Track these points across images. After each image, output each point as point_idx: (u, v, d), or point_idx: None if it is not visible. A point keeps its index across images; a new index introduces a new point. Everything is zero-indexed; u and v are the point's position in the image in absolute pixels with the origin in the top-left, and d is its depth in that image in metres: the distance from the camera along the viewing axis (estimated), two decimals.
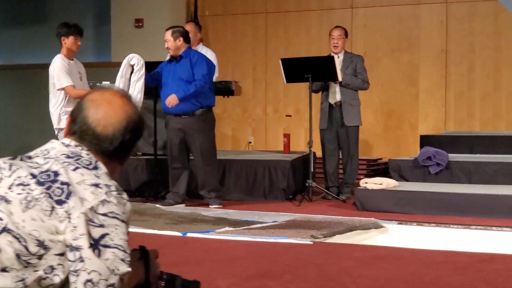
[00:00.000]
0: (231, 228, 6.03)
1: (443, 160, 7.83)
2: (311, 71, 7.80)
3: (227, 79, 9.47)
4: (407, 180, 8.00)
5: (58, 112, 7.03)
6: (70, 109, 6.96)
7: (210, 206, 7.44)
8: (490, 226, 6.33)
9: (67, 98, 7.00)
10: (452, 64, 10.58)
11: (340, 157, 8.27)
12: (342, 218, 6.57)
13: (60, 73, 6.93)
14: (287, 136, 9.16)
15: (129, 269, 1.96)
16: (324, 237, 5.62)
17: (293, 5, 11.42)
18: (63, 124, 6.83)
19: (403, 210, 7.01)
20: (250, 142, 11.63)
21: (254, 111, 11.71)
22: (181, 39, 7.37)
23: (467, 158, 8.16)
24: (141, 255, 2.11)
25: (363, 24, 11.01)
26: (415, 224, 6.45)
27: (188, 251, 5.14)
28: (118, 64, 8.32)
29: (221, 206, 7.45)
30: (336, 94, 8.10)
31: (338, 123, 8.09)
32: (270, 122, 11.62)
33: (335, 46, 8.15)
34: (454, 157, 8.13)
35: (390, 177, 7.97)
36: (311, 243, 5.37)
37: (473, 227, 6.33)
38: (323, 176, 8.40)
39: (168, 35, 7.38)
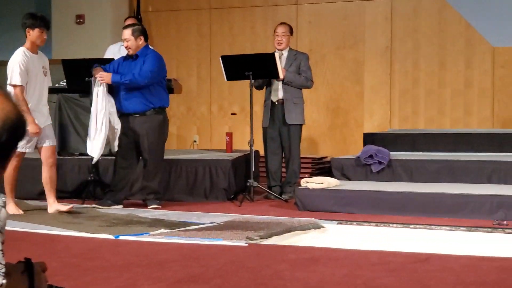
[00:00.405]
0: (166, 230, 5.87)
1: (385, 159, 7.76)
2: (251, 68, 7.67)
3: (170, 77, 9.27)
4: (350, 179, 7.92)
5: None
6: (31, 107, 6.60)
7: (148, 207, 7.27)
8: (429, 225, 6.28)
9: (28, 97, 6.59)
10: (397, 61, 10.54)
11: (283, 156, 8.16)
12: (281, 219, 6.46)
13: (16, 69, 6.51)
14: (229, 135, 9.02)
15: (4, 281, 1.79)
16: (261, 238, 5.49)
17: (237, 1, 11.28)
18: None
19: (344, 210, 6.93)
20: (195, 141, 11.47)
21: (199, 109, 11.54)
22: (142, 38, 7.20)
23: (409, 156, 8.12)
24: (25, 267, 1.93)
25: (308, 20, 10.92)
26: (355, 223, 6.37)
27: (117, 254, 4.97)
28: (59, 61, 8.12)
29: (159, 207, 7.28)
30: (278, 92, 7.98)
31: (280, 121, 7.98)
32: (215, 120, 11.47)
33: (279, 43, 8.03)
34: (396, 155, 8.08)
35: (333, 176, 7.89)
36: (246, 245, 5.23)
37: (413, 226, 6.27)
38: (266, 176, 8.28)
39: (128, 34, 7.14)
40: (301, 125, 8.06)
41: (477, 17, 10.11)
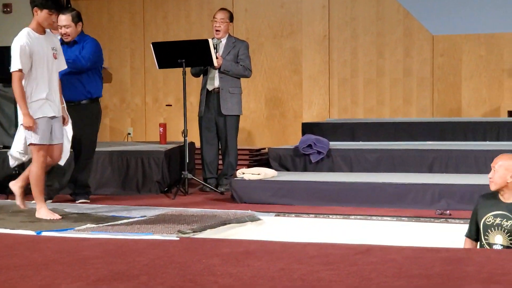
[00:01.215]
0: (92, 225, 5.52)
1: (324, 148, 7.53)
2: (185, 55, 7.34)
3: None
4: (288, 170, 7.67)
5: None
6: (41, 96, 5.79)
7: (76, 202, 6.89)
8: (370, 216, 6.08)
9: (35, 84, 5.77)
10: (335, 50, 10.34)
11: (220, 147, 7.86)
12: (216, 211, 6.16)
13: (17, 52, 5.70)
14: (163, 125, 8.68)
15: None
16: (194, 232, 5.19)
17: None
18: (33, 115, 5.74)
19: (282, 201, 6.67)
20: (129, 134, 11.08)
21: (133, 100, 11.17)
22: (81, 24, 6.82)
23: (349, 146, 7.91)
24: None
25: (245, 8, 10.63)
26: (293, 215, 6.13)
27: (38, 251, 4.60)
28: None
29: (88, 201, 6.91)
30: (214, 80, 7.67)
31: (216, 111, 7.67)
32: (150, 112, 11.10)
33: (217, 30, 7.72)
34: (335, 145, 7.86)
35: (270, 167, 7.62)
36: (178, 239, 4.92)
37: (353, 217, 6.06)
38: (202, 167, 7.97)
39: (68, 20, 6.70)
40: (237, 115, 7.76)
41: (416, 5, 9.96)
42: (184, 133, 7.43)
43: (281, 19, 10.53)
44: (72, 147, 6.81)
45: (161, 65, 7.54)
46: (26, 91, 5.74)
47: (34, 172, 5.81)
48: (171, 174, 7.74)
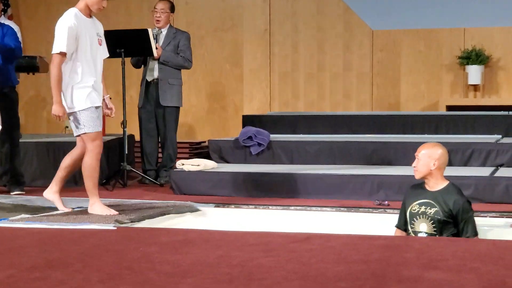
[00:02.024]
0: (27, 215, 5.38)
1: (265, 140, 7.50)
2: (124, 45, 7.23)
3: (35, 54, 8.66)
4: (228, 162, 7.62)
5: (70, 85, 5.37)
6: (88, 83, 5.45)
7: (11, 193, 6.72)
8: (310, 207, 6.07)
9: (80, 69, 5.39)
10: (276, 44, 10.32)
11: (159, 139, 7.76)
12: (155, 202, 6.09)
13: (62, 32, 5.30)
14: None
15: None
16: (132, 222, 5.11)
17: None
18: (79, 104, 5.38)
19: (222, 193, 6.63)
20: (67, 127, 10.85)
21: None
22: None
23: (289, 138, 7.90)
24: None
25: (185, 1, 10.54)
26: (233, 206, 6.09)
27: None
28: None
29: (23, 192, 6.75)
30: (154, 71, 7.57)
31: (155, 102, 7.57)
32: None
33: (157, 21, 7.62)
34: (276, 137, 7.84)
35: (211, 159, 7.55)
36: (115, 228, 4.82)
37: (293, 207, 6.05)
38: (141, 159, 7.86)
39: None
40: (177, 107, 7.68)
41: (356, 0, 10.01)
42: (124, 124, 7.32)
43: (222, 13, 10.47)
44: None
45: None
46: (69, 75, 5.39)
47: (88, 164, 5.43)
48: (109, 166, 7.62)
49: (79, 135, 5.51)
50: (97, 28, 5.61)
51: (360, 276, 3.41)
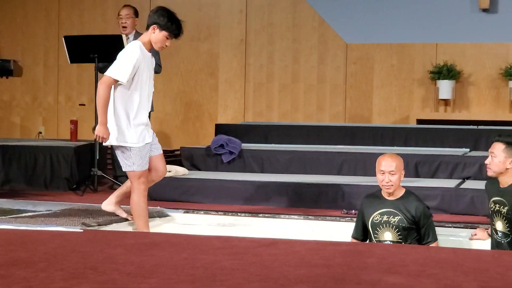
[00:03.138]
0: None
1: (236, 149, 7.56)
2: (97, 50, 7.26)
3: (9, 57, 8.67)
4: (199, 170, 7.66)
5: (124, 117, 5.30)
6: (143, 120, 5.37)
7: None
8: (278, 214, 6.12)
9: (136, 104, 5.33)
10: (252, 55, 10.40)
11: None
12: (124, 207, 6.09)
13: (125, 62, 5.24)
14: (74, 123, 8.56)
15: None
16: (99, 225, 5.14)
17: None
18: (132, 140, 5.29)
19: (192, 199, 6.68)
20: (40, 133, 10.86)
21: (46, 99, 10.95)
22: None
23: (261, 147, 7.96)
24: None
25: None
26: (202, 212, 6.12)
27: None
28: None
29: None
30: None
31: None
32: (63, 111, 10.90)
33: (124, 27, 7.66)
34: (247, 146, 7.90)
35: (183, 166, 7.59)
36: (81, 231, 4.84)
37: (261, 215, 6.09)
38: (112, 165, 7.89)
39: None
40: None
41: (331, 14, 10.12)
42: (94, 129, 7.33)
43: (198, 22, 10.53)
44: None
45: (73, 60, 7.44)
46: (125, 105, 5.31)
47: (136, 203, 5.36)
48: (80, 171, 7.63)
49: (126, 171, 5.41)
50: (153, 64, 5.58)
51: (320, 279, 3.46)
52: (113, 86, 5.27)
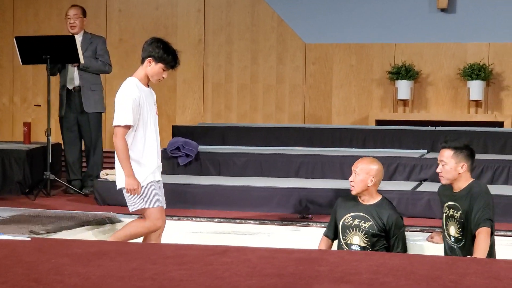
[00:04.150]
0: None
1: (193, 151, 7.46)
2: (50, 51, 7.10)
3: None
4: None
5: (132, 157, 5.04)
6: (154, 161, 5.16)
7: None
8: (234, 219, 6.04)
9: (143, 145, 5.10)
10: (210, 55, 10.29)
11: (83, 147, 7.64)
12: (75, 213, 5.97)
13: (125, 105, 5.00)
14: (27, 125, 8.38)
15: None
16: (48, 232, 5.00)
17: None
18: (139, 177, 5.03)
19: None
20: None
21: (0, 100, 10.73)
22: None
23: (218, 150, 7.87)
24: None
25: (119, 9, 10.43)
26: None
27: None
28: None
29: None
30: (74, 79, 7.46)
31: (78, 110, 7.45)
32: (18, 112, 10.69)
33: (72, 26, 7.53)
34: (204, 148, 7.80)
35: None
36: (29, 239, 4.71)
37: (217, 220, 6.00)
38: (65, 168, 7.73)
39: None
40: (100, 113, 7.58)
41: (290, 13, 10.06)
42: (48, 132, 7.19)
43: (156, 21, 10.39)
44: None
45: (25, 61, 7.28)
46: (131, 147, 5.08)
47: (135, 230, 5.09)
48: (33, 175, 7.48)
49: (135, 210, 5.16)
50: (153, 98, 5.36)
51: None
52: (116, 130, 5.03)
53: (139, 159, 5.08)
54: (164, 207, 5.20)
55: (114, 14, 10.39)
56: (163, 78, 5.27)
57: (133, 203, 5.07)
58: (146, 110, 5.12)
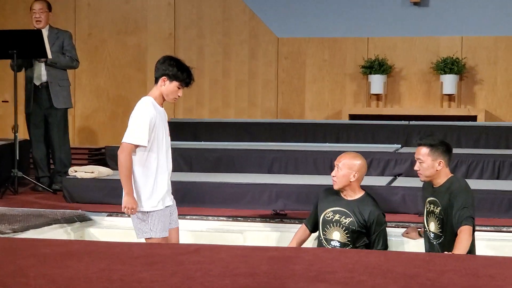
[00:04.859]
0: None
1: None
2: (16, 46, 6.93)
3: None
4: None
5: (142, 180, 4.87)
6: (164, 187, 4.94)
7: None
8: (207, 216, 5.94)
9: (155, 169, 4.92)
10: (181, 49, 10.15)
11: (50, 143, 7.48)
12: (44, 211, 5.82)
13: (141, 123, 4.83)
14: None
15: None
16: (14, 232, 4.86)
17: None
18: (147, 204, 4.87)
19: (116, 201, 6.31)
20: None
21: None
22: None
23: (189, 145, 7.75)
24: None
25: (88, 3, 10.26)
26: (126, 215, 5.85)
27: None
28: None
29: None
30: (42, 75, 7.30)
31: (45, 106, 7.29)
32: None
33: (37, 21, 7.37)
34: (176, 144, 7.66)
35: (109, 167, 7.32)
36: None
37: (189, 217, 5.89)
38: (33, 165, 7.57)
39: None
40: (67, 109, 7.43)
41: (262, 7, 9.95)
42: (15, 128, 7.02)
43: (125, 15, 10.23)
44: None
45: None
46: (143, 169, 4.88)
47: None
48: (0, 172, 7.31)
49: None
50: (166, 118, 5.15)
51: None
52: (123, 145, 4.88)
53: (150, 183, 4.90)
54: (173, 226, 5.03)
55: (83, 8, 10.21)
56: (179, 96, 5.07)
57: (141, 231, 4.92)
58: (161, 131, 4.97)
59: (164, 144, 4.98)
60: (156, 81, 5.02)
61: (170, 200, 5.02)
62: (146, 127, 4.82)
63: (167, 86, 4.98)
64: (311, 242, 5.27)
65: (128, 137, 4.87)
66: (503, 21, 9.29)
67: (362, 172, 4.92)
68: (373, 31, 9.66)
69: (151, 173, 4.89)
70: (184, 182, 6.55)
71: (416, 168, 4.82)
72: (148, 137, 4.83)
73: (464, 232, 4.51)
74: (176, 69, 4.97)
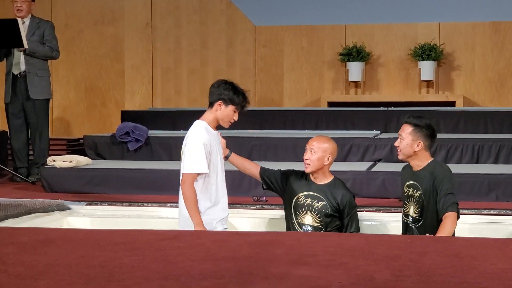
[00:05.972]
0: None
1: (142, 136, 7.29)
2: None
3: None
4: (104, 159, 7.36)
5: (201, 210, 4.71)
6: (225, 213, 4.83)
7: None
8: None
9: (215, 196, 4.81)
10: (158, 39, 10.10)
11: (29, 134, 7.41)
12: (22, 201, 5.77)
13: (197, 151, 4.69)
14: None
15: None
16: None
17: None
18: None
19: (96, 190, 6.38)
20: None
21: None
22: None
23: (168, 134, 7.70)
24: None
25: None
26: (106, 204, 5.84)
27: None
28: None
29: None
30: (20, 64, 7.22)
31: (23, 96, 7.22)
32: None
33: (19, 10, 7.28)
34: (154, 133, 7.63)
35: (86, 156, 7.27)
36: None
37: (169, 204, 5.86)
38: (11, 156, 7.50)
39: None
40: (47, 99, 7.35)
41: None
42: None
43: (102, 5, 10.16)
44: None
45: None
46: (200, 196, 4.74)
47: None
48: None
49: None
50: (220, 141, 5.01)
51: (225, 274, 3.26)
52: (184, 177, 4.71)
53: (209, 208, 4.79)
54: None
55: None
56: (235, 120, 4.96)
57: None
58: (216, 155, 4.82)
59: (219, 168, 4.86)
60: (211, 105, 4.89)
61: (226, 225, 4.91)
62: (203, 153, 4.68)
63: (223, 111, 4.86)
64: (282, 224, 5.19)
65: (189, 167, 4.70)
66: (480, 7, 9.32)
67: (335, 155, 4.90)
68: (350, 18, 9.66)
69: (211, 197, 4.79)
70: (164, 170, 6.51)
71: (396, 144, 4.82)
72: (208, 163, 4.70)
73: (449, 217, 4.50)
74: (232, 93, 4.86)
